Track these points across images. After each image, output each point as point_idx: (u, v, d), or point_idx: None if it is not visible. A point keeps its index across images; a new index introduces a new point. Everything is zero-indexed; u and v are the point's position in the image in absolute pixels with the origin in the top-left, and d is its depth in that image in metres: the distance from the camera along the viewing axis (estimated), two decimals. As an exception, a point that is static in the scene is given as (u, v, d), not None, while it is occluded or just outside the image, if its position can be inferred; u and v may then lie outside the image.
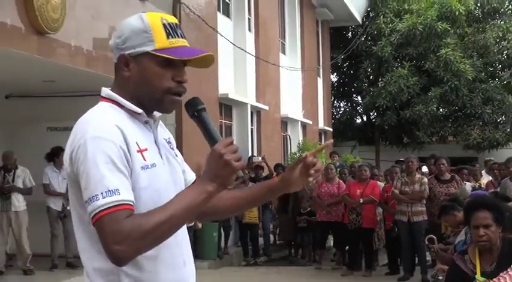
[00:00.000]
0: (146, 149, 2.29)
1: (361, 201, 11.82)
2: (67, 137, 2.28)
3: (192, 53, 2.34)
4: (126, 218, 2.08)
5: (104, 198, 2.09)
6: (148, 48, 2.29)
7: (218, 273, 12.63)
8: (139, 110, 2.33)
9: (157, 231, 2.10)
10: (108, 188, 2.10)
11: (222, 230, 13.60)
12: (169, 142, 2.52)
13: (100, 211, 2.08)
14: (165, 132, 2.54)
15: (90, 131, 2.18)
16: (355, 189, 12.09)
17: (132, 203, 2.13)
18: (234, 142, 2.24)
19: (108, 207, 2.08)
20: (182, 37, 2.36)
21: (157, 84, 2.31)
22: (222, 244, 13.93)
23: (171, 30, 2.32)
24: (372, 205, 11.96)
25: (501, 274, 4.28)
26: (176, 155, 2.52)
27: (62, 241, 11.31)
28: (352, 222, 11.90)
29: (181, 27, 2.41)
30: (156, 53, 2.29)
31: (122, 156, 2.18)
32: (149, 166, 2.26)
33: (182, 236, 2.40)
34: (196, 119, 2.33)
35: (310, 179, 2.49)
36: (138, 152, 2.25)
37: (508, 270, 4.26)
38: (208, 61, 2.41)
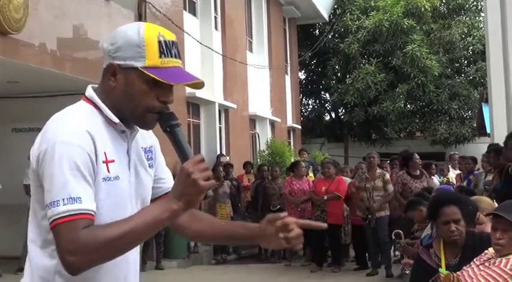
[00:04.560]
0: (113, 161, 2.25)
1: (325, 198, 11.89)
2: (32, 138, 2.25)
3: (181, 79, 2.27)
4: (83, 228, 2.05)
5: (64, 205, 2.05)
6: (138, 64, 2.22)
7: (188, 272, 12.61)
8: (116, 120, 2.28)
9: (113, 245, 2.07)
10: (70, 195, 2.07)
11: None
12: (149, 151, 2.47)
13: (59, 218, 2.05)
14: (145, 141, 2.47)
15: (61, 134, 2.14)
16: (321, 185, 12.16)
17: (93, 213, 2.10)
18: (203, 154, 2.21)
19: (68, 215, 2.05)
20: (176, 57, 2.28)
21: (140, 101, 2.25)
22: (192, 243, 13.90)
23: (165, 49, 2.25)
24: (337, 201, 12.01)
25: (464, 268, 4.32)
26: (151, 166, 2.46)
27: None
28: (317, 218, 11.92)
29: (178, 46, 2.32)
30: (145, 71, 2.22)
31: (89, 163, 2.14)
32: (111, 178, 2.23)
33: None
34: (169, 134, 2.28)
35: (281, 241, 2.40)
36: (103, 162, 2.21)
37: (471, 263, 4.30)
38: (198, 85, 2.33)
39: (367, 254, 12.18)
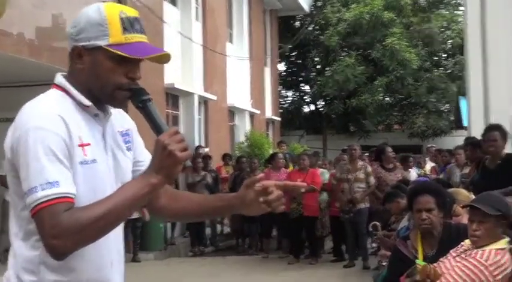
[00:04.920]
0: (89, 144, 2.23)
1: (303, 190, 11.86)
2: (9, 128, 2.22)
3: (146, 52, 2.26)
4: (64, 212, 2.04)
5: (43, 190, 2.04)
6: (102, 43, 2.22)
7: (165, 264, 12.58)
8: (88, 103, 2.26)
9: (96, 225, 2.06)
10: (47, 180, 2.05)
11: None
12: (125, 134, 2.46)
13: (38, 204, 2.04)
14: (122, 125, 2.46)
15: (33, 120, 2.13)
16: (296, 177, 12.13)
17: (72, 196, 2.09)
18: (181, 132, 2.19)
19: (47, 200, 2.04)
20: (140, 33, 2.27)
21: (109, 79, 2.24)
22: (169, 235, 13.88)
23: (128, 25, 2.24)
24: (313, 194, 12.01)
25: (441, 259, 4.36)
26: (129, 149, 2.45)
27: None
28: (293, 211, 11.92)
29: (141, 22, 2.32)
30: (109, 49, 2.21)
31: (64, 147, 2.13)
32: (89, 162, 2.21)
33: (113, 235, 2.29)
34: (142, 110, 2.26)
35: (262, 206, 2.34)
36: (79, 146, 2.19)
37: (448, 255, 4.34)
38: (164, 58, 2.34)
39: (344, 246, 12.24)
